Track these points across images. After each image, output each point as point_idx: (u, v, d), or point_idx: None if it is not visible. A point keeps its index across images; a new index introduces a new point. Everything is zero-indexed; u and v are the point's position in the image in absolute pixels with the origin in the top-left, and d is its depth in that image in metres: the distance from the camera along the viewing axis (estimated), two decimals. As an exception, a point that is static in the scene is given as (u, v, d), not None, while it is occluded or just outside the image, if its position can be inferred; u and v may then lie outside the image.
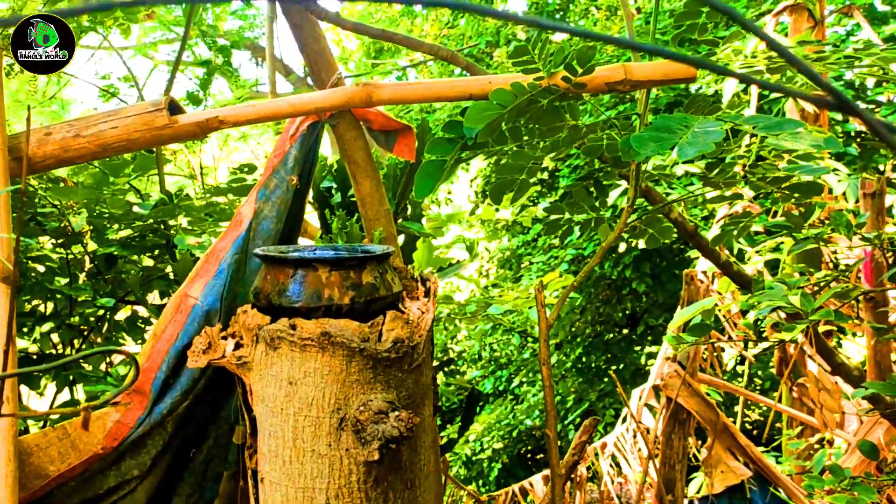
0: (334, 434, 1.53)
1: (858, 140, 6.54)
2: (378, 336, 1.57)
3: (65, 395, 3.29)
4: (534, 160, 1.88)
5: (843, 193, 4.13)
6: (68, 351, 3.41)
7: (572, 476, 3.55)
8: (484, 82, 1.81)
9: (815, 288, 2.13)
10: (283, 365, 1.55)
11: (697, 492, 3.91)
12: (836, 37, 6.88)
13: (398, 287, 1.70)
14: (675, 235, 2.40)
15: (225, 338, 1.66)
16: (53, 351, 3.39)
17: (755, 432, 7.15)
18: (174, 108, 1.87)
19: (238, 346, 1.64)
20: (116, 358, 3.97)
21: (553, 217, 2.06)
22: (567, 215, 2.04)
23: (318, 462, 1.54)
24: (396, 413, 1.48)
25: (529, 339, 8.75)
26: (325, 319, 1.54)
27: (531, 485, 4.18)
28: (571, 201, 2.02)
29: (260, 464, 1.65)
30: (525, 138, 1.87)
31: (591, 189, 2.14)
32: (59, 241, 3.19)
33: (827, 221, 1.88)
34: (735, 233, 2.10)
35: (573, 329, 8.37)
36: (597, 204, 2.02)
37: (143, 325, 3.61)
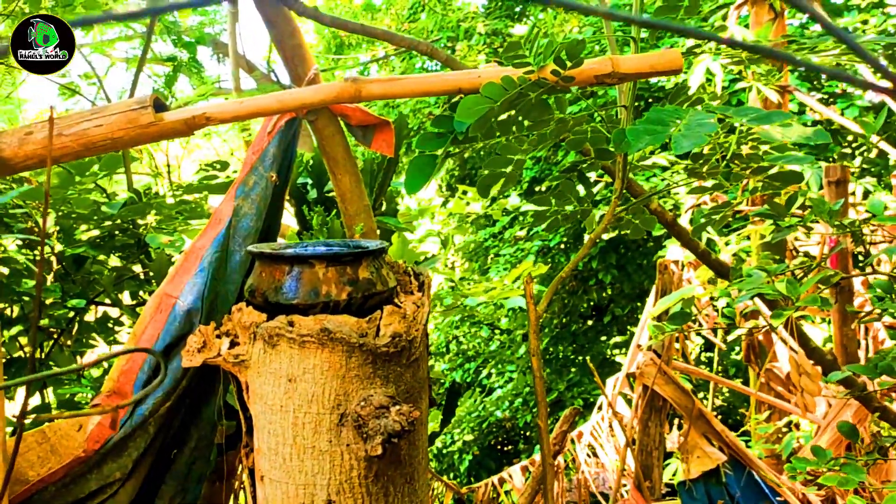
0: (334, 430, 1.52)
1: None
2: (376, 331, 1.56)
3: (35, 400, 3.22)
4: (521, 153, 1.90)
5: (807, 182, 4.24)
6: (38, 354, 3.34)
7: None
8: (473, 76, 1.82)
9: (794, 275, 2.18)
10: (281, 362, 1.54)
11: (673, 476, 3.98)
12: (794, 29, 7.04)
13: (393, 282, 1.70)
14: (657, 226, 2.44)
15: (219, 336, 1.64)
16: (22, 353, 3.32)
17: (719, 418, 7.30)
18: (159, 106, 1.84)
19: (233, 344, 1.62)
20: (85, 360, 3.89)
21: (541, 208, 2.08)
22: (555, 206, 2.06)
23: (319, 458, 1.53)
24: (397, 407, 1.48)
25: (497, 332, 8.81)
26: (324, 315, 1.54)
27: (510, 475, 4.22)
28: (558, 192, 2.04)
29: (259, 462, 1.63)
30: (513, 130, 1.88)
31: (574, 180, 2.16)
32: (25, 242, 3.11)
33: (808, 210, 1.93)
34: (716, 221, 2.14)
35: (540, 320, 8.42)
36: (583, 195, 2.05)
37: (113, 326, 3.54)
